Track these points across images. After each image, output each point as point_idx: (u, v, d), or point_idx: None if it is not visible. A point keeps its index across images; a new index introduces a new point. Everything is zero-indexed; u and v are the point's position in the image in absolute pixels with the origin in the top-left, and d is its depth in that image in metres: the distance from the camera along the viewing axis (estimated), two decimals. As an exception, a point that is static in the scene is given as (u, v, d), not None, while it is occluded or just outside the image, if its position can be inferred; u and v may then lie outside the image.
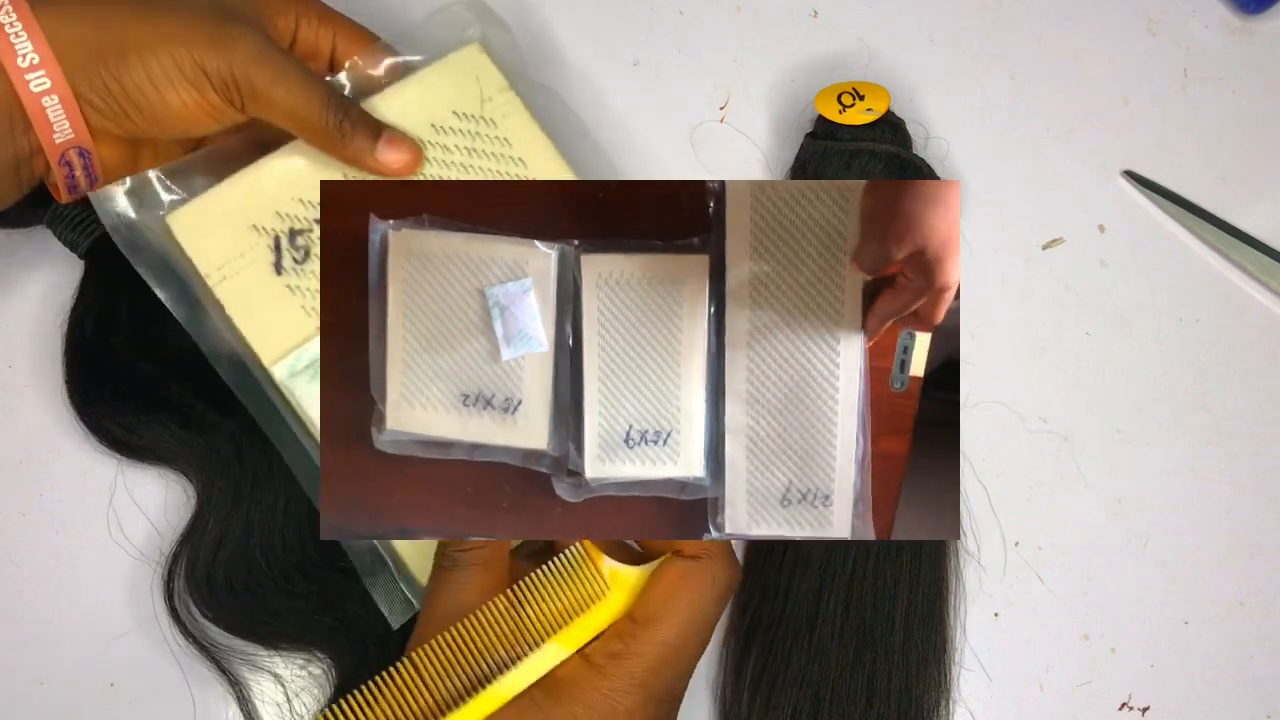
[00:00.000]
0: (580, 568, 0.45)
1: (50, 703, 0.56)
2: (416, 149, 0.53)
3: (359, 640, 0.55)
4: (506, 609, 0.44)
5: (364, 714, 0.42)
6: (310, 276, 0.53)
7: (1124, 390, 0.62)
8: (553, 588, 0.44)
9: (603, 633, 0.44)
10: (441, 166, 0.55)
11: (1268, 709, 0.59)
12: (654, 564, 0.45)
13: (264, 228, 0.53)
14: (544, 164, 0.56)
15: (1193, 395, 0.62)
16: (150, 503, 0.58)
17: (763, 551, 0.57)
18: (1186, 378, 0.63)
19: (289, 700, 0.55)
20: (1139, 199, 0.65)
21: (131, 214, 0.52)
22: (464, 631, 0.43)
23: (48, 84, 0.45)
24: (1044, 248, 0.64)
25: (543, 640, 0.43)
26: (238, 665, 0.55)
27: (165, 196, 0.53)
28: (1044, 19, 0.68)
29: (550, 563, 0.45)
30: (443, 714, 0.42)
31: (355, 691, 0.42)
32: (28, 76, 0.45)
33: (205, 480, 0.56)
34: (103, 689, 0.56)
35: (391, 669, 0.43)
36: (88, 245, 0.58)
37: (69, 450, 0.58)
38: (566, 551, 0.45)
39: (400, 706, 0.42)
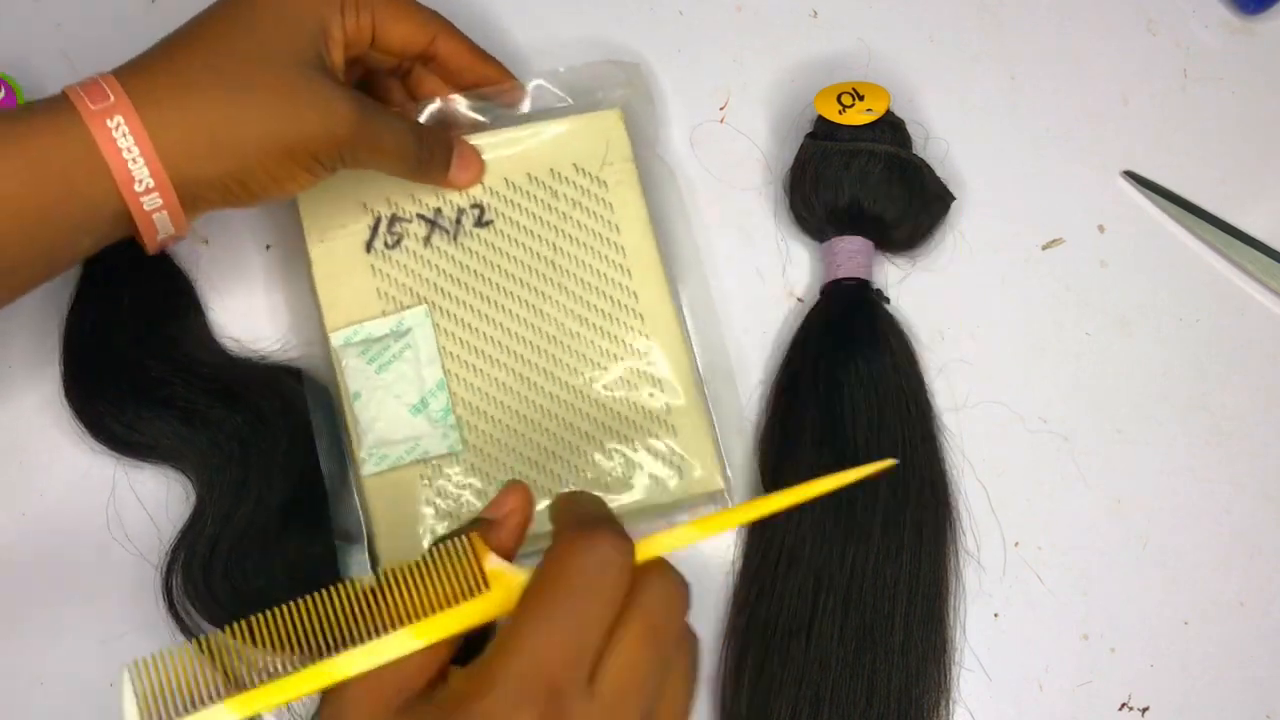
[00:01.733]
0: (460, 561, 0.40)
1: (50, 703, 0.56)
2: (481, 162, 0.58)
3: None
4: (368, 590, 0.40)
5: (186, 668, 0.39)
6: (393, 263, 0.58)
7: (1124, 390, 0.62)
8: (426, 577, 0.40)
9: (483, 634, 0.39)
10: (544, 209, 0.59)
11: (1268, 709, 0.59)
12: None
13: (370, 207, 0.58)
14: (637, 238, 0.59)
15: (1193, 395, 0.62)
16: (150, 501, 0.58)
17: (757, 549, 0.57)
18: (1186, 378, 0.63)
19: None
20: (1139, 199, 0.65)
21: None
22: (320, 602, 0.39)
23: (160, 203, 0.47)
24: (1044, 248, 0.64)
25: (398, 626, 0.39)
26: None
27: None
28: (1044, 19, 0.68)
29: (431, 551, 0.40)
30: (273, 677, 0.38)
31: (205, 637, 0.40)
32: (143, 200, 0.47)
33: (205, 478, 0.56)
34: (103, 689, 0.56)
35: (241, 623, 0.39)
36: (88, 245, 0.58)
37: (68, 450, 0.58)
38: (452, 542, 0.40)
39: (236, 661, 0.39)
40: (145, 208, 0.47)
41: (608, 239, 0.59)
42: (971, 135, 0.65)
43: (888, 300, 0.61)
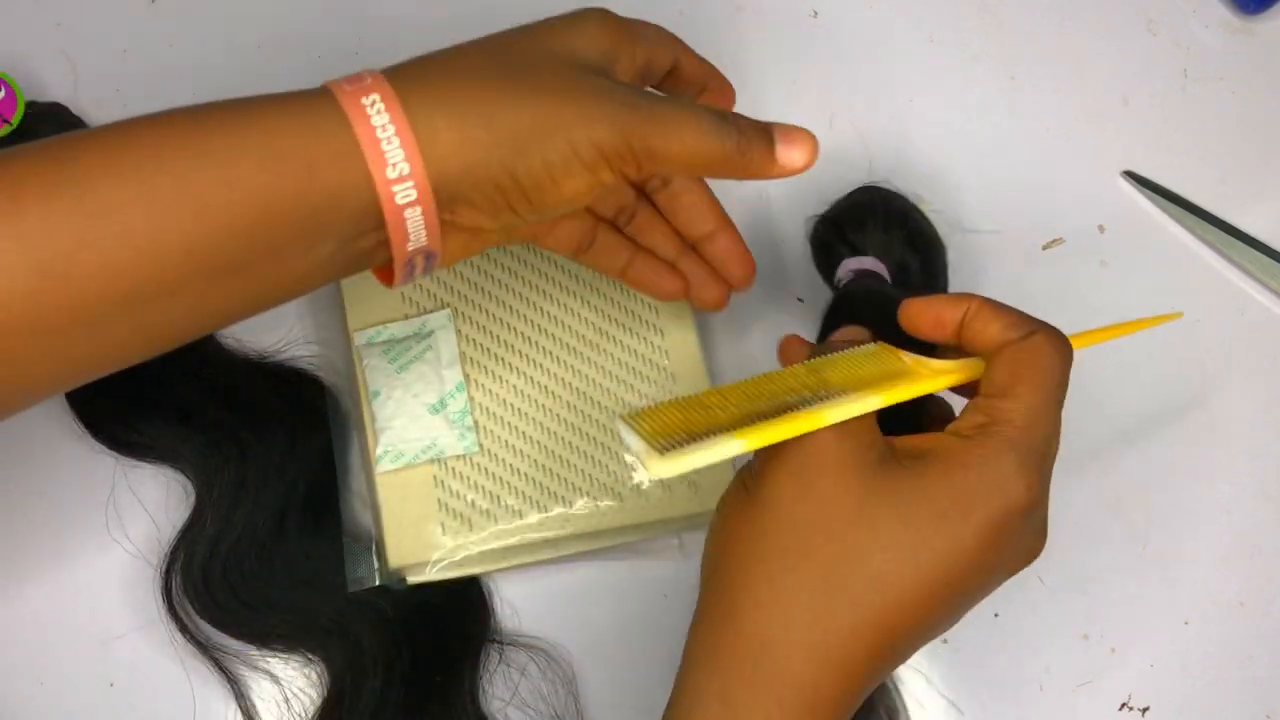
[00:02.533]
0: (880, 355, 0.45)
1: (50, 703, 0.56)
2: (812, 138, 0.47)
3: (352, 643, 0.55)
4: (800, 372, 0.44)
5: (674, 419, 0.41)
6: None
7: (1124, 390, 0.62)
8: (853, 365, 0.45)
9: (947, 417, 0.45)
10: None
11: (1268, 709, 0.59)
12: (966, 360, 0.46)
13: None
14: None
15: (1193, 395, 0.62)
16: (150, 501, 0.58)
17: None
18: (1186, 378, 0.63)
19: (287, 700, 0.55)
20: (1139, 199, 0.65)
21: None
22: (759, 380, 0.43)
23: (414, 196, 0.41)
24: (1044, 248, 0.64)
25: (850, 392, 0.43)
26: (235, 665, 0.55)
27: None
28: (1044, 19, 0.68)
29: (846, 351, 0.45)
30: (742, 426, 0.41)
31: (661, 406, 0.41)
32: (395, 189, 0.40)
33: (204, 478, 0.56)
34: (103, 689, 0.56)
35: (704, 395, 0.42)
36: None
37: (68, 449, 0.58)
38: (859, 348, 0.46)
39: (695, 416, 0.41)
40: (398, 200, 0.41)
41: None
42: (971, 135, 0.65)
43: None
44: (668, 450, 0.39)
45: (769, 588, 0.41)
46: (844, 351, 0.45)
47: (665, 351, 0.58)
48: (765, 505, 0.42)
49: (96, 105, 0.63)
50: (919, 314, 0.47)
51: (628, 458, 0.40)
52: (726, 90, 0.54)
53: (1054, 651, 0.59)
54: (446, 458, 0.56)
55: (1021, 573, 0.59)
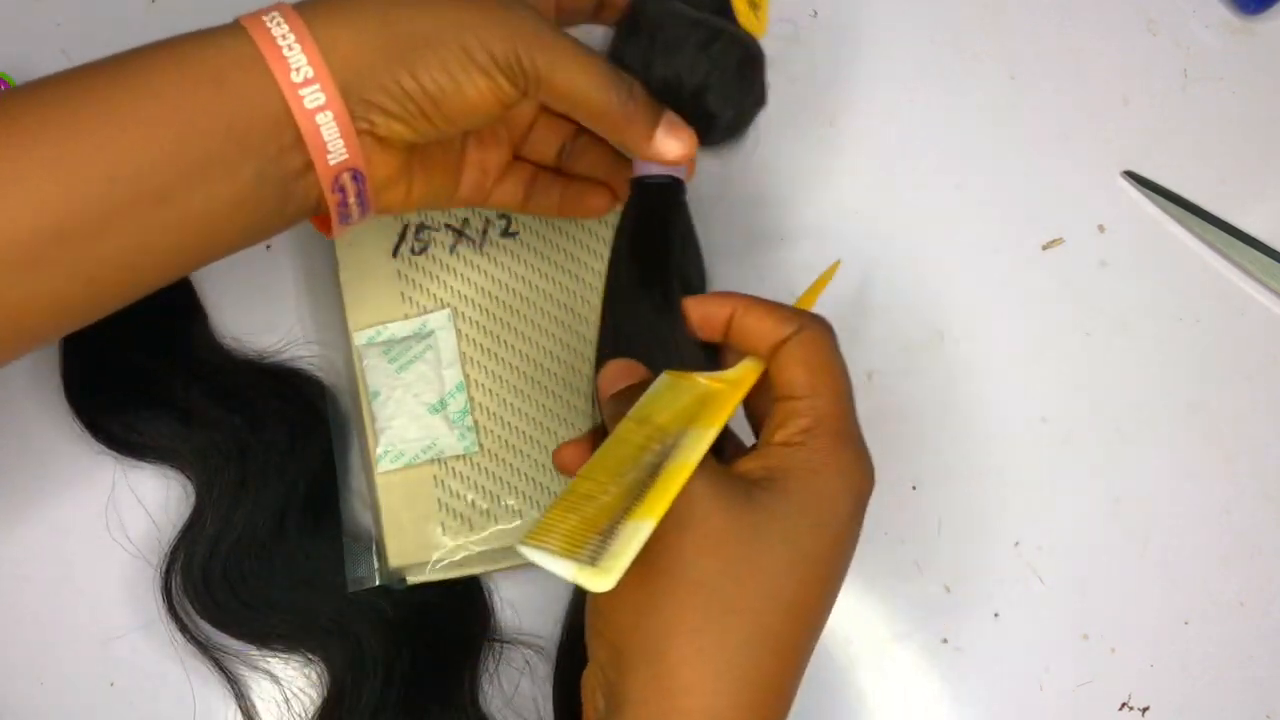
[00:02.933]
0: (678, 384, 0.46)
1: (50, 703, 0.56)
2: (694, 139, 0.49)
3: (352, 643, 0.55)
4: (634, 427, 0.43)
5: (568, 518, 0.40)
6: (418, 269, 0.58)
7: (1124, 390, 0.62)
8: (666, 402, 0.45)
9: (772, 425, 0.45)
10: (569, 222, 0.59)
11: (1268, 709, 0.59)
12: (747, 361, 0.47)
13: (398, 215, 0.58)
14: None
15: (1193, 395, 0.62)
16: (150, 501, 0.58)
17: None
18: (1186, 378, 0.63)
19: (287, 700, 0.55)
20: (1139, 199, 0.65)
21: None
22: (608, 450, 0.43)
23: (322, 99, 0.42)
24: (1044, 248, 0.64)
25: (686, 429, 0.43)
26: (235, 665, 0.55)
27: None
28: (1044, 19, 0.68)
29: (648, 392, 0.45)
30: (635, 501, 0.40)
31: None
32: (301, 92, 0.41)
33: (205, 477, 0.56)
34: (103, 689, 0.56)
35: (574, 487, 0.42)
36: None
37: (68, 450, 0.58)
38: (656, 385, 0.46)
39: (588, 511, 0.41)
40: (306, 104, 0.42)
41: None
42: (971, 135, 0.65)
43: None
44: (596, 558, 0.38)
45: (695, 648, 0.40)
46: (647, 393, 0.45)
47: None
48: (667, 571, 0.41)
49: (96, 105, 0.63)
50: (690, 311, 0.48)
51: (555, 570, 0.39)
52: None
53: (1054, 651, 0.59)
54: (446, 458, 0.56)
55: (1021, 572, 0.60)
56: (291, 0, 0.43)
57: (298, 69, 0.41)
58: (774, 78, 0.66)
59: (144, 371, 0.57)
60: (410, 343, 0.57)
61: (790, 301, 0.48)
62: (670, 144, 0.48)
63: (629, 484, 0.41)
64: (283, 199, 0.44)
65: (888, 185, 0.65)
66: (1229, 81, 0.67)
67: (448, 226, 0.59)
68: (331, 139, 0.43)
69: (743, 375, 0.46)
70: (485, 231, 0.60)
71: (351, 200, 0.45)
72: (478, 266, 0.59)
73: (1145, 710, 0.58)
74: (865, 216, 0.64)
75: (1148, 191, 0.65)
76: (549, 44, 0.45)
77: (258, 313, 0.60)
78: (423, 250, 0.59)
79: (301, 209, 0.45)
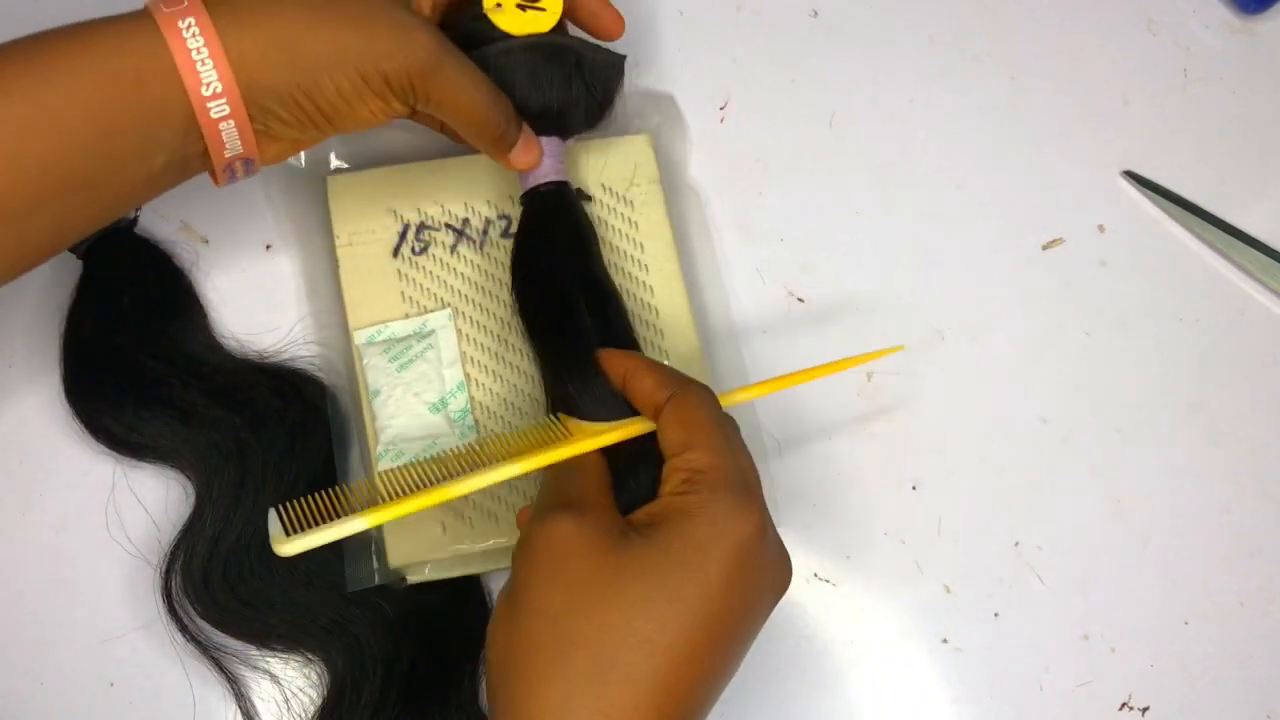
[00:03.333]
0: (548, 425, 0.50)
1: (50, 703, 0.56)
2: (539, 151, 0.55)
3: (352, 643, 0.55)
4: (473, 445, 0.50)
5: (323, 505, 0.47)
6: (419, 269, 0.58)
7: (1124, 390, 0.62)
8: (520, 435, 0.50)
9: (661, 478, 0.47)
10: None
11: (1268, 709, 0.59)
12: (625, 421, 0.50)
13: (399, 214, 0.59)
14: (660, 256, 0.60)
15: (1193, 395, 0.62)
16: (150, 501, 0.58)
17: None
18: (1186, 378, 0.63)
19: (287, 700, 0.55)
20: (1139, 199, 0.65)
21: (301, 164, 0.61)
22: (428, 462, 0.49)
23: (226, 111, 0.46)
24: (1044, 248, 0.64)
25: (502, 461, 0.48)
26: (235, 665, 0.55)
27: (334, 163, 0.61)
28: (1044, 19, 0.68)
29: (524, 426, 0.51)
30: (400, 497, 0.47)
31: (322, 492, 0.47)
32: (209, 105, 0.46)
33: (205, 477, 0.56)
34: (103, 689, 0.56)
35: (355, 483, 0.49)
36: (87, 246, 0.58)
37: (68, 450, 0.58)
38: (535, 423, 0.51)
39: (353, 501, 0.47)
40: (212, 115, 0.46)
41: (631, 255, 0.60)
42: (971, 135, 0.65)
43: (589, 198, 0.60)
44: (295, 534, 0.46)
45: (545, 684, 0.42)
46: (522, 427, 0.51)
47: (665, 352, 0.58)
48: (526, 608, 0.44)
49: (96, 105, 0.63)
50: (599, 362, 0.51)
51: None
52: (605, 12, 0.56)
53: (1054, 651, 0.59)
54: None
55: (1021, 572, 0.60)
56: None
57: (208, 84, 0.45)
58: (774, 77, 0.66)
59: (144, 372, 0.57)
60: (411, 342, 0.58)
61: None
62: (522, 156, 0.55)
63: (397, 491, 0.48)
64: (182, 173, 0.49)
65: (888, 185, 0.65)
66: (1229, 81, 0.67)
67: (448, 227, 0.59)
68: (230, 140, 0.47)
69: (608, 428, 0.50)
70: (485, 231, 0.60)
71: (239, 175, 0.50)
72: (478, 266, 0.59)
73: (1145, 710, 0.58)
74: (865, 216, 0.64)
75: (1148, 191, 0.65)
76: (441, 69, 0.49)
77: (258, 313, 0.60)
78: (423, 250, 0.59)
79: (188, 176, 0.50)
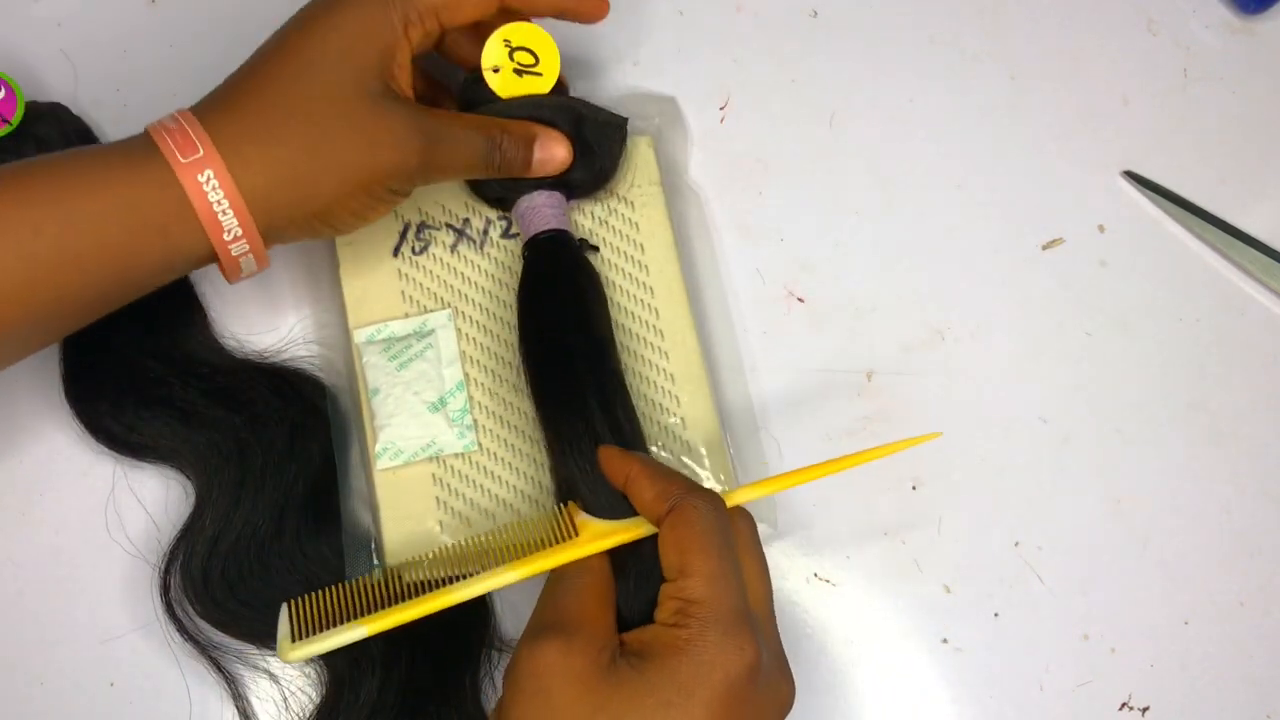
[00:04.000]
0: (554, 520, 0.50)
1: (50, 703, 0.56)
2: (567, 145, 0.56)
3: (353, 642, 0.55)
4: (479, 541, 0.51)
5: (330, 604, 0.49)
6: (419, 268, 0.59)
7: (1124, 390, 0.62)
8: (527, 528, 0.50)
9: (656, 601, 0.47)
10: (570, 224, 0.59)
11: (1268, 709, 0.59)
12: (629, 519, 0.49)
13: (400, 213, 0.59)
14: (661, 257, 0.60)
15: (1193, 395, 0.62)
16: (150, 501, 0.58)
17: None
18: (1186, 378, 0.63)
19: (285, 700, 0.55)
20: (1139, 199, 0.65)
21: None
22: (437, 554, 0.50)
23: (246, 249, 0.50)
24: (1044, 248, 0.64)
25: (502, 563, 0.49)
26: (234, 664, 0.55)
27: None
28: (1044, 19, 0.68)
29: (531, 517, 0.51)
30: (391, 604, 0.48)
31: (332, 587, 0.50)
32: (231, 246, 0.49)
33: (204, 477, 0.56)
34: (103, 689, 0.56)
35: (364, 580, 0.50)
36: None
37: (67, 450, 0.58)
38: (543, 514, 0.50)
39: (360, 601, 0.49)
40: (233, 253, 0.49)
41: (631, 256, 0.60)
42: (971, 135, 0.65)
43: (595, 249, 0.59)
44: (300, 639, 0.48)
45: None
46: (527, 518, 0.51)
47: (665, 353, 0.58)
48: None
49: (96, 105, 0.63)
50: (599, 460, 0.50)
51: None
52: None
53: (1054, 651, 0.59)
54: (445, 456, 0.56)
55: (1021, 572, 0.60)
56: (206, 113, 0.49)
57: (229, 229, 0.48)
58: (774, 77, 0.66)
59: (144, 372, 0.57)
60: (410, 341, 0.58)
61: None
62: (545, 165, 0.56)
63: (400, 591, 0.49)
64: (191, 272, 0.54)
65: (888, 185, 0.65)
66: (1229, 81, 0.67)
67: (448, 226, 0.59)
68: (247, 265, 0.51)
69: (612, 529, 0.49)
70: (486, 231, 0.60)
71: (249, 276, 0.52)
72: (478, 266, 0.59)
73: (1145, 710, 0.58)
74: (865, 216, 0.64)
75: (1148, 191, 0.65)
76: (437, 154, 0.52)
77: (258, 313, 0.60)
78: (423, 250, 0.59)
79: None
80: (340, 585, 0.50)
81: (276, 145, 0.49)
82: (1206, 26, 0.68)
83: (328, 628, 0.48)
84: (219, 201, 0.48)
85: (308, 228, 0.51)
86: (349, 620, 0.48)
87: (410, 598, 0.48)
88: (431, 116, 0.52)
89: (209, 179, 0.48)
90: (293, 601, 0.50)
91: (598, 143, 0.57)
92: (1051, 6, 0.68)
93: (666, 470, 0.49)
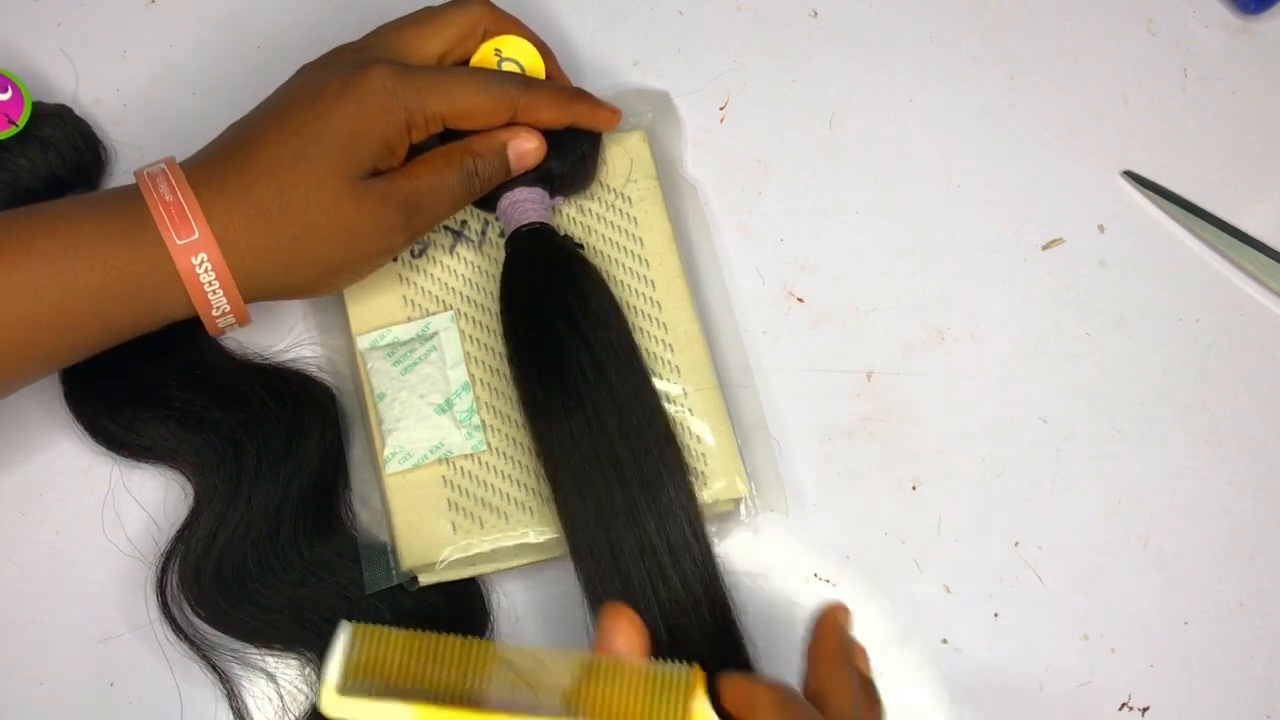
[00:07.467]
0: (671, 690, 0.41)
1: (49, 703, 0.56)
2: (540, 140, 0.56)
3: None
4: (581, 666, 0.41)
5: (396, 652, 0.41)
6: (419, 271, 0.59)
7: (1124, 390, 0.62)
8: (631, 687, 0.41)
9: None
10: (569, 221, 0.60)
11: (1268, 709, 0.59)
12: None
13: None
14: (660, 251, 0.60)
15: (1193, 395, 0.62)
16: (149, 502, 0.58)
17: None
18: (1186, 378, 0.63)
19: (282, 700, 0.55)
20: (1139, 199, 0.65)
21: None
22: (524, 656, 0.41)
23: (233, 321, 0.53)
24: (1044, 248, 0.64)
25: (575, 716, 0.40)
26: (232, 664, 0.55)
27: None
28: (1044, 19, 0.68)
29: (653, 666, 0.41)
30: (464, 706, 0.40)
31: (397, 631, 0.41)
32: (219, 321, 0.52)
33: (202, 478, 0.56)
34: (102, 689, 0.56)
35: (450, 637, 0.42)
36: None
37: (67, 450, 0.58)
38: (673, 668, 0.41)
39: (430, 661, 0.41)
40: (219, 325, 0.52)
41: (632, 251, 0.60)
42: (971, 135, 0.65)
43: (581, 246, 0.59)
44: (350, 691, 0.39)
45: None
46: (646, 666, 0.41)
47: (670, 346, 0.58)
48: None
49: (96, 105, 0.63)
50: (720, 690, 0.43)
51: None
52: (599, 113, 0.58)
53: (1054, 651, 0.59)
54: (454, 457, 0.56)
55: (1021, 572, 0.60)
56: (203, 192, 0.50)
57: (218, 306, 0.51)
58: (774, 77, 0.66)
59: (143, 373, 0.57)
60: (414, 344, 0.57)
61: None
62: (521, 164, 0.56)
63: (461, 689, 0.40)
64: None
65: (888, 185, 0.65)
66: (1229, 81, 0.67)
67: (446, 228, 0.59)
68: (229, 328, 0.53)
69: None
70: (484, 232, 0.60)
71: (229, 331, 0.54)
72: (478, 266, 0.59)
73: (1145, 710, 0.58)
74: (865, 216, 0.64)
75: (1148, 191, 0.65)
76: (417, 223, 0.53)
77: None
78: (421, 253, 0.59)
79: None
80: (415, 633, 0.42)
81: (266, 235, 0.50)
82: (1206, 26, 0.68)
83: (385, 678, 0.40)
84: (210, 282, 0.50)
85: (293, 296, 0.54)
86: (410, 679, 0.40)
87: (485, 705, 0.40)
88: (407, 179, 0.53)
89: (202, 262, 0.50)
90: (357, 630, 0.41)
91: (571, 129, 0.57)
92: (1051, 7, 0.68)
93: (793, 694, 0.43)
